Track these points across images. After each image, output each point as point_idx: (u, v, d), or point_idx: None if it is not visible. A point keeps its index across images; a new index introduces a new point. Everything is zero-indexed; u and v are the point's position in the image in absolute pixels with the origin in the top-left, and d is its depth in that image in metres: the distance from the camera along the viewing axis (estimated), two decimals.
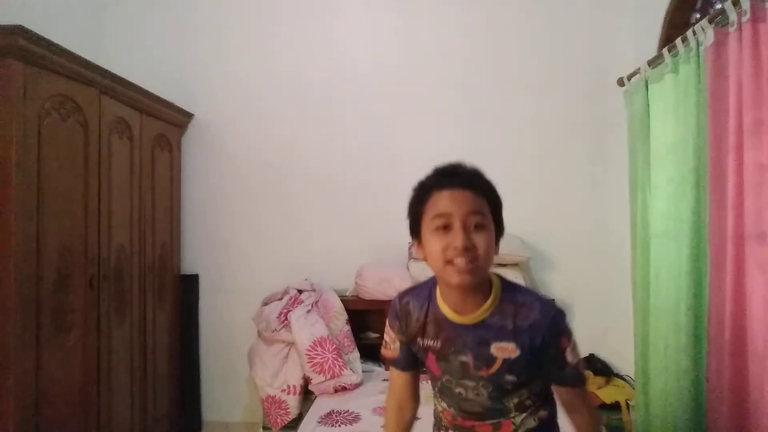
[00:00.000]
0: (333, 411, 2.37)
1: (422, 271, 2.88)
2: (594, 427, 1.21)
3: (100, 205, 2.39)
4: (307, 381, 2.73)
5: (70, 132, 2.22)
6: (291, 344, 2.78)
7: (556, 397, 1.25)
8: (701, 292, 2.17)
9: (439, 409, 1.30)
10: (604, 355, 3.06)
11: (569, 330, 1.15)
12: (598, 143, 3.16)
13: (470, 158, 3.38)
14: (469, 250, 1.04)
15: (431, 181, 1.13)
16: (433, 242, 1.08)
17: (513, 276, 2.88)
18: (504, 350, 1.12)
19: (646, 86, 2.62)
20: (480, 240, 1.06)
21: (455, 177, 1.11)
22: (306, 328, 2.73)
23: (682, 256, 2.23)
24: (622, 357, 3.01)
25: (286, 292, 2.98)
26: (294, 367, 2.77)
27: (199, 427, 3.28)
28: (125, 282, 2.60)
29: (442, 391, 1.24)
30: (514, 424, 1.20)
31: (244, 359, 3.02)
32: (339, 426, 2.22)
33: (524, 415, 1.20)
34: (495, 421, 1.20)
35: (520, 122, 3.19)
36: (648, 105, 2.60)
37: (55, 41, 2.05)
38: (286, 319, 2.79)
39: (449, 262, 1.05)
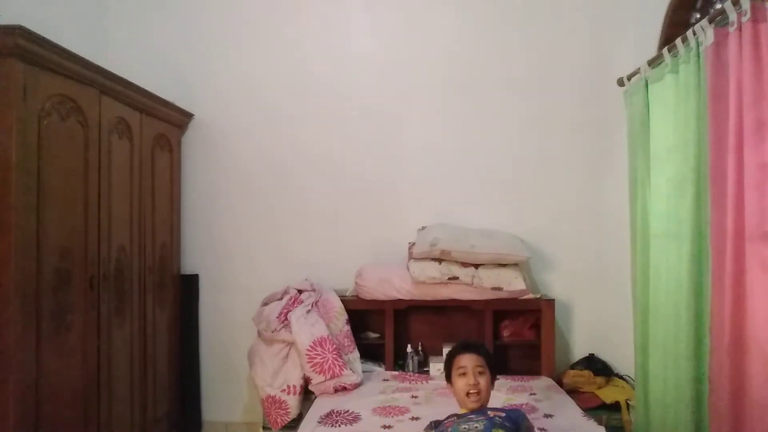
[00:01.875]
0: (333, 411, 2.37)
1: (422, 271, 2.89)
2: None
3: (100, 205, 2.39)
4: (307, 381, 2.73)
5: (70, 132, 2.22)
6: (291, 344, 2.78)
7: None
8: (701, 292, 2.17)
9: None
10: (604, 355, 3.06)
11: (528, 422, 1.88)
12: (598, 143, 3.16)
13: (471, 158, 3.38)
14: (476, 386, 1.89)
15: (457, 350, 2.01)
16: (458, 382, 1.93)
17: (513, 276, 2.89)
18: (495, 412, 1.84)
19: (646, 86, 2.62)
20: (482, 381, 1.91)
21: (469, 347, 2.00)
22: (306, 328, 2.73)
23: (682, 256, 2.23)
24: (622, 357, 3.01)
25: (286, 292, 2.98)
26: (294, 367, 2.77)
27: (199, 427, 3.28)
28: (125, 282, 2.60)
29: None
30: None
31: (244, 359, 3.02)
32: (339, 426, 2.22)
33: None
34: None
35: (521, 122, 3.19)
36: (648, 105, 2.60)
37: (55, 41, 2.05)
38: (286, 319, 2.79)
39: (467, 394, 1.89)
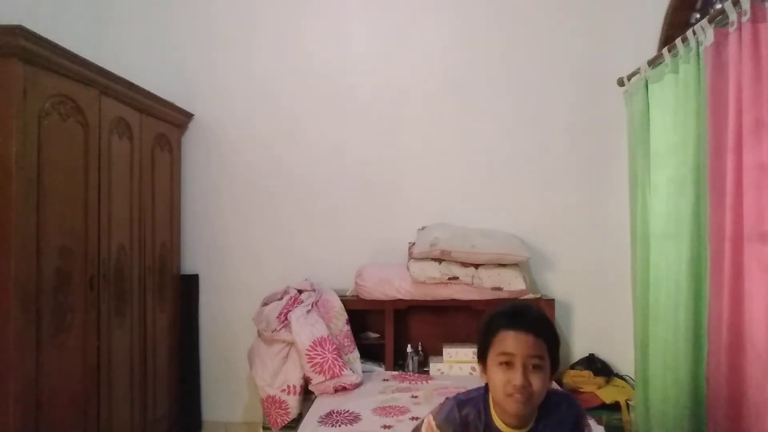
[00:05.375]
0: (333, 411, 2.37)
1: (422, 271, 2.88)
2: None
3: (100, 205, 2.39)
4: (307, 381, 2.73)
5: (70, 132, 2.22)
6: (291, 344, 2.78)
7: None
8: (701, 292, 2.17)
9: None
10: (604, 355, 3.06)
11: (587, 420, 1.40)
12: (598, 143, 3.16)
13: (471, 158, 3.39)
14: (525, 388, 1.22)
15: (500, 319, 1.31)
16: (497, 375, 1.27)
17: (513, 276, 2.88)
18: None
19: (646, 86, 2.62)
20: (536, 380, 1.24)
21: (522, 320, 1.28)
22: (306, 328, 2.73)
23: (682, 256, 2.24)
24: (622, 357, 3.01)
25: (286, 292, 2.98)
26: (294, 367, 2.77)
27: (199, 427, 3.28)
28: (125, 282, 2.60)
29: None
30: None
31: (244, 359, 3.02)
32: (339, 426, 2.22)
33: None
34: None
35: (521, 122, 3.19)
36: (648, 105, 2.60)
37: (55, 41, 2.05)
38: (286, 319, 2.79)
39: (509, 395, 1.24)
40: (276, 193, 3.29)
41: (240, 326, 3.19)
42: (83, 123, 2.28)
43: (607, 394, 2.79)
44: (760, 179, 1.78)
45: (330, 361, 2.65)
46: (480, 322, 1.39)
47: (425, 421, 1.41)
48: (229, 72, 3.30)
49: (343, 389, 2.65)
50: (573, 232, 3.17)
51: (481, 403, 1.35)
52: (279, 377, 2.77)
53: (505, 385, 1.24)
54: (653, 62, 2.57)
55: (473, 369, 2.88)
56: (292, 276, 3.16)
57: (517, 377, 1.22)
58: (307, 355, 2.67)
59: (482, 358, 1.33)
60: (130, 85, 2.61)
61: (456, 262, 2.89)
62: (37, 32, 1.95)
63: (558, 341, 1.31)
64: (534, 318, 1.29)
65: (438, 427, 1.36)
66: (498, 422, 1.32)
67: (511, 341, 1.25)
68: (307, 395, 2.75)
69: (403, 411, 2.34)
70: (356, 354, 2.90)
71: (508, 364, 1.24)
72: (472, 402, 1.36)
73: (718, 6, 2.17)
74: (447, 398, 1.42)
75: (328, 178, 3.27)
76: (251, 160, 3.29)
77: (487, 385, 1.35)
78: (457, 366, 2.92)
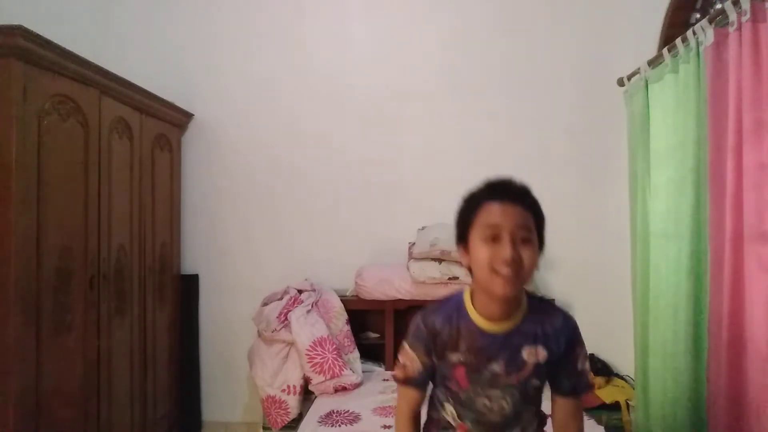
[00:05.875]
0: (333, 411, 2.37)
1: (422, 271, 2.88)
2: None
3: (100, 205, 2.39)
4: (307, 381, 2.73)
5: (70, 132, 2.22)
6: (291, 344, 2.78)
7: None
8: (701, 292, 2.17)
9: (449, 418, 1.30)
10: (604, 355, 3.06)
11: (582, 338, 1.27)
12: (598, 143, 3.16)
13: (471, 158, 3.38)
14: (515, 261, 1.10)
15: (483, 192, 1.20)
16: (482, 251, 1.14)
17: None
18: (534, 354, 1.20)
19: (646, 86, 2.62)
20: (526, 253, 1.12)
21: (507, 191, 1.18)
22: (306, 328, 2.73)
23: (682, 256, 2.24)
24: (622, 357, 3.01)
25: (286, 292, 2.98)
26: (294, 367, 2.77)
27: (199, 427, 3.28)
28: (125, 282, 2.60)
29: (463, 403, 1.26)
30: None
31: (244, 359, 3.02)
32: (339, 426, 2.22)
33: (531, 427, 1.27)
34: None
35: (520, 122, 3.19)
36: (648, 105, 2.60)
37: (55, 41, 2.05)
38: (286, 319, 2.79)
39: (495, 271, 1.11)
40: (276, 193, 3.29)
41: (240, 326, 3.19)
42: (83, 123, 2.28)
43: (607, 394, 2.79)
44: (760, 179, 1.78)
45: (330, 361, 2.65)
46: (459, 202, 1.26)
47: (402, 345, 1.34)
48: (229, 72, 3.30)
49: (343, 389, 2.65)
50: (573, 231, 3.17)
51: (453, 306, 1.25)
52: (279, 377, 2.77)
53: (492, 260, 1.11)
54: (653, 62, 2.57)
55: None
56: (292, 276, 3.16)
57: (506, 250, 1.10)
58: (307, 355, 2.67)
59: (463, 239, 1.21)
60: (130, 85, 2.61)
61: (456, 262, 2.88)
62: (37, 32, 1.95)
63: (544, 218, 1.20)
64: (520, 189, 1.20)
65: (410, 347, 1.29)
66: (476, 317, 1.21)
67: (497, 213, 1.14)
68: (307, 395, 2.75)
69: None
70: (356, 354, 2.90)
71: (494, 239, 1.13)
72: (441, 309, 1.26)
73: (718, 6, 2.17)
74: (412, 322, 1.33)
75: (328, 178, 3.27)
76: (251, 160, 3.29)
77: (461, 292, 1.27)
78: None
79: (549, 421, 1.33)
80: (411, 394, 1.32)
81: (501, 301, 1.17)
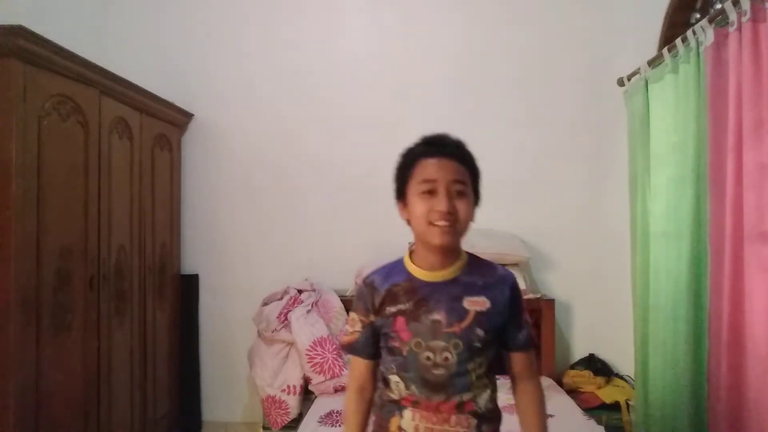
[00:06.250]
0: (333, 411, 2.37)
1: None
2: (542, 394, 1.32)
3: (100, 205, 2.39)
4: (307, 381, 2.73)
5: (70, 132, 2.22)
6: (291, 344, 2.78)
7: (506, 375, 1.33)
8: (701, 292, 2.17)
9: (394, 395, 1.25)
10: (604, 355, 3.06)
11: (523, 299, 1.30)
12: (598, 143, 3.16)
13: None
14: (451, 214, 1.17)
15: (419, 149, 1.26)
16: (419, 205, 1.19)
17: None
18: (476, 303, 1.22)
19: (646, 86, 2.62)
20: (461, 206, 1.19)
21: (442, 147, 1.24)
22: (306, 328, 2.73)
23: (682, 256, 2.24)
24: (622, 357, 3.01)
25: (286, 292, 2.98)
26: (294, 367, 2.77)
27: (199, 427, 3.28)
28: (125, 282, 2.60)
29: (407, 365, 1.22)
30: (476, 404, 1.22)
31: (244, 359, 3.02)
32: (339, 426, 2.22)
33: (483, 395, 1.24)
34: (459, 397, 1.21)
35: (520, 122, 3.19)
36: (648, 105, 2.60)
37: (55, 41, 2.05)
38: (286, 319, 2.79)
39: (432, 223, 1.17)
40: (276, 193, 3.29)
41: (240, 326, 3.19)
42: (83, 123, 2.28)
43: (607, 394, 2.79)
44: (760, 179, 1.78)
45: (330, 361, 2.65)
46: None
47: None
48: (229, 72, 3.30)
49: (343, 389, 2.65)
50: (573, 231, 3.17)
51: (393, 264, 1.30)
52: (279, 377, 2.77)
53: (428, 213, 1.17)
54: (653, 62, 2.57)
55: None
56: (292, 276, 3.16)
57: (441, 202, 1.16)
58: (307, 355, 2.67)
59: (401, 194, 1.27)
60: (130, 85, 2.61)
61: None
62: (37, 32, 1.95)
63: (478, 172, 1.27)
64: (455, 144, 1.26)
65: (353, 310, 1.33)
66: (414, 269, 1.25)
67: (432, 167, 1.20)
68: (307, 395, 2.75)
69: None
70: None
71: (430, 193, 1.18)
72: (382, 268, 1.31)
73: (718, 6, 2.17)
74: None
75: (329, 178, 3.27)
76: (251, 159, 3.29)
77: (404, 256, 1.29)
78: None
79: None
80: (356, 364, 1.34)
81: (439, 251, 1.22)
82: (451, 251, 1.24)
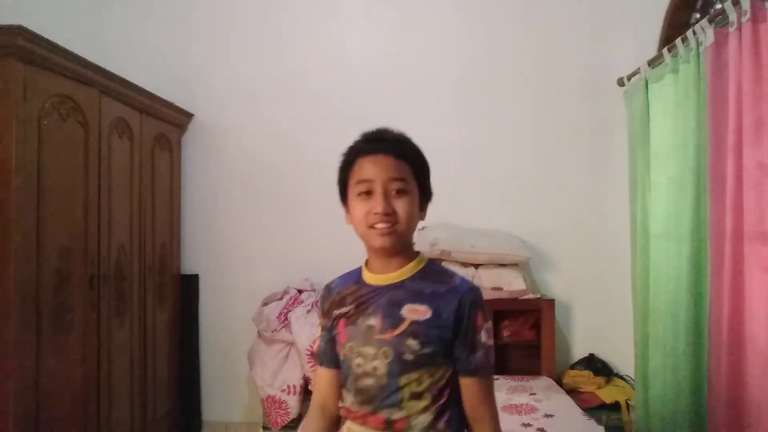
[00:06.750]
0: None
1: None
2: None
3: (100, 205, 2.39)
4: (307, 381, 2.73)
5: (70, 132, 2.22)
6: (291, 344, 2.78)
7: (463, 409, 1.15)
8: (701, 292, 2.17)
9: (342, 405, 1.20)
10: (604, 355, 3.06)
11: (485, 309, 1.15)
12: (598, 143, 3.16)
13: (470, 158, 3.36)
14: (389, 215, 1.09)
15: (356, 147, 1.17)
16: (357, 207, 1.12)
17: (513, 276, 2.88)
18: (415, 312, 1.11)
19: (646, 86, 2.62)
20: (400, 205, 1.10)
21: (379, 143, 1.15)
22: (306, 328, 2.73)
23: (682, 256, 2.24)
24: (622, 357, 3.01)
25: (286, 292, 2.98)
26: (294, 367, 2.77)
27: (199, 427, 3.28)
28: (125, 282, 2.60)
29: (345, 371, 1.17)
30: (409, 427, 1.09)
31: (244, 359, 3.02)
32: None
33: (421, 419, 1.09)
34: (387, 413, 1.09)
35: (520, 122, 3.19)
36: (648, 105, 2.60)
37: (55, 41, 2.05)
38: (286, 319, 2.79)
39: (371, 226, 1.10)
40: (276, 193, 3.29)
41: (240, 326, 3.18)
42: (83, 123, 2.28)
43: (607, 394, 2.79)
44: (761, 179, 1.78)
45: None
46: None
47: None
48: (229, 72, 3.30)
49: None
50: (573, 232, 3.17)
51: (353, 271, 1.27)
52: (279, 377, 2.77)
53: (366, 215, 1.10)
54: (653, 62, 2.57)
55: None
56: (292, 276, 3.16)
57: (377, 204, 1.08)
58: (307, 354, 2.67)
59: (343, 197, 1.19)
60: (130, 85, 2.61)
61: (456, 262, 2.89)
62: (37, 32, 1.95)
63: (425, 164, 1.18)
64: (393, 139, 1.16)
65: (319, 316, 1.29)
66: (365, 274, 1.20)
67: (368, 167, 1.11)
68: (307, 395, 2.75)
69: None
70: None
71: (368, 194, 1.11)
72: (344, 274, 1.29)
73: (718, 6, 2.17)
74: None
75: (329, 178, 3.24)
76: (251, 159, 3.28)
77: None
78: None
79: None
80: (317, 377, 1.26)
81: (382, 254, 1.16)
82: (396, 253, 1.15)
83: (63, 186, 2.16)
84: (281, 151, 3.28)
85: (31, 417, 1.97)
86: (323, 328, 1.24)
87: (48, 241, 2.06)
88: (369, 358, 1.11)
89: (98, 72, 2.34)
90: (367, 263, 1.22)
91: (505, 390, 2.61)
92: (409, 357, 1.09)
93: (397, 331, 1.10)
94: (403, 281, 1.15)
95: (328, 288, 1.26)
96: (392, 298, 1.13)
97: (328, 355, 1.22)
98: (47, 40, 2.00)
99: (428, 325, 1.10)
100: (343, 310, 1.18)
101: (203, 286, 3.32)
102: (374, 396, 1.11)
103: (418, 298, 1.12)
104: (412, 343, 1.09)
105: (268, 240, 3.29)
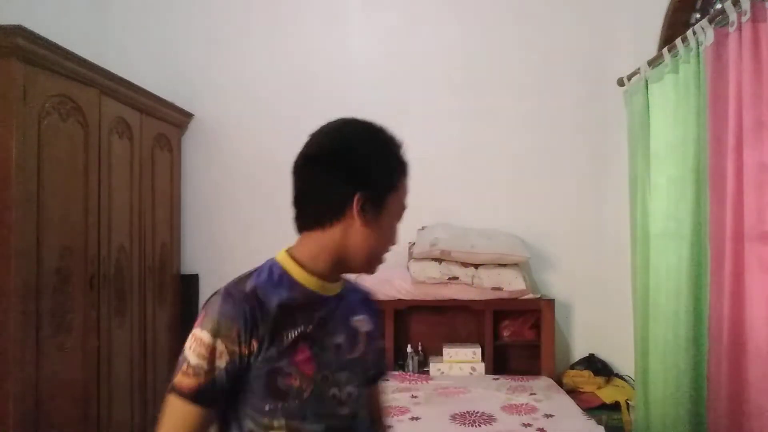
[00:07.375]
0: None
1: (422, 271, 2.88)
2: None
3: (100, 205, 2.39)
4: None
5: (70, 132, 2.22)
6: None
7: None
8: (701, 292, 2.17)
9: None
10: (604, 355, 3.06)
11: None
12: (598, 143, 3.16)
13: (471, 158, 3.38)
14: None
15: (406, 162, 1.02)
16: (389, 230, 0.97)
17: (513, 276, 2.88)
18: (362, 323, 1.01)
19: (646, 86, 2.62)
20: None
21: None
22: None
23: (682, 256, 2.23)
24: (622, 357, 3.01)
25: None
26: None
27: None
28: (125, 282, 2.60)
29: (304, 410, 0.90)
30: None
31: None
32: None
33: None
34: None
35: (520, 122, 3.19)
36: (648, 105, 2.60)
37: (55, 41, 2.05)
38: None
39: (381, 256, 0.99)
40: (276, 193, 3.25)
41: None
42: (83, 123, 2.28)
43: (607, 394, 2.79)
44: (761, 179, 1.78)
45: None
46: (371, 146, 1.05)
47: (190, 340, 0.95)
48: (229, 72, 3.30)
49: None
50: (573, 232, 3.17)
51: (266, 272, 1.01)
52: None
53: (388, 244, 0.97)
54: (653, 62, 2.57)
55: (473, 369, 2.87)
56: None
57: (396, 236, 0.98)
58: None
59: (378, 198, 0.94)
60: (130, 85, 2.61)
61: (456, 262, 2.89)
62: (37, 32, 1.95)
63: None
64: None
65: (212, 334, 0.91)
66: (307, 279, 0.96)
67: (407, 193, 0.98)
68: None
69: (403, 411, 2.34)
70: None
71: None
72: (257, 275, 1.01)
73: (718, 6, 2.17)
74: (205, 305, 1.00)
75: None
76: (251, 159, 3.28)
77: (269, 260, 1.03)
78: (457, 366, 2.92)
79: None
80: (190, 418, 0.88)
81: (338, 271, 0.99)
82: None
83: (63, 186, 2.16)
84: (281, 150, 3.23)
85: (31, 417, 1.96)
86: (231, 357, 0.88)
87: (48, 241, 2.06)
88: (343, 383, 0.95)
89: (98, 72, 2.34)
90: (303, 265, 0.98)
91: (505, 390, 2.60)
92: (370, 374, 1.01)
93: (362, 347, 0.98)
94: (341, 292, 1.00)
95: (255, 297, 0.92)
96: (342, 311, 0.98)
97: (224, 391, 0.89)
98: (47, 40, 2.00)
99: (374, 335, 1.02)
100: (301, 330, 0.91)
101: (203, 286, 3.32)
102: (347, 427, 0.95)
103: (358, 308, 1.02)
104: (372, 358, 1.01)
105: (268, 240, 3.26)
